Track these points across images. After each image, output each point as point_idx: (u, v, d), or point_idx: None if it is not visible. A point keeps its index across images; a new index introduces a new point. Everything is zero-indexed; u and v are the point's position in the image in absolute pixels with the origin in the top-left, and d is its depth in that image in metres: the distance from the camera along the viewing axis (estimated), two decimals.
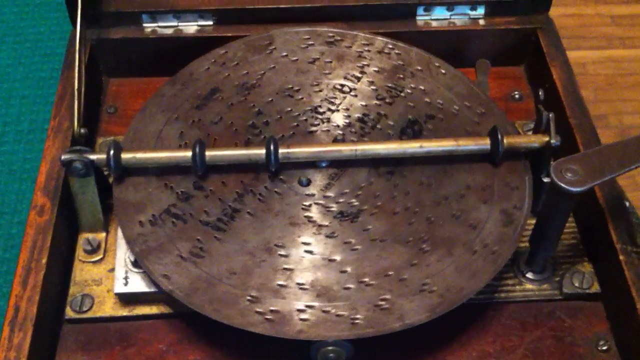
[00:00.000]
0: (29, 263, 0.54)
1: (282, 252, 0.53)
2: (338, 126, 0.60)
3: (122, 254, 0.55)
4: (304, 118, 0.61)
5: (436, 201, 0.55)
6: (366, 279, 0.51)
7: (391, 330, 0.49)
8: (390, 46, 0.65)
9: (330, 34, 0.66)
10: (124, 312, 0.55)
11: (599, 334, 0.54)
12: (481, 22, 0.70)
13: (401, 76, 0.63)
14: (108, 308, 0.55)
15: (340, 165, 0.58)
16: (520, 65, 0.72)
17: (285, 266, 0.52)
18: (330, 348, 0.48)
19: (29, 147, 0.85)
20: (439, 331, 0.54)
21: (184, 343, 0.54)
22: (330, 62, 0.64)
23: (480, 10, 0.70)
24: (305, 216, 0.55)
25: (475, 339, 0.54)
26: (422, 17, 0.70)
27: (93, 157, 0.55)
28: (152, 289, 0.54)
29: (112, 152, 0.55)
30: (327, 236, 0.54)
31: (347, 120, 0.61)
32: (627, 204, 0.74)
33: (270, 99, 0.62)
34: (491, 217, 0.54)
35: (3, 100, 0.88)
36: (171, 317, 0.55)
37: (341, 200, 0.56)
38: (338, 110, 0.61)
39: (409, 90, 0.62)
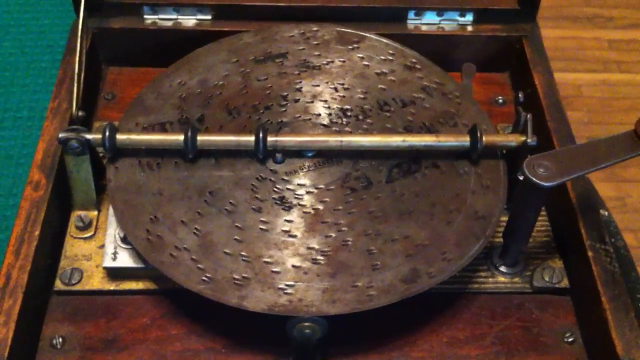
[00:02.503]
0: (22, 234, 0.56)
1: (291, 233, 0.55)
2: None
3: (112, 231, 0.57)
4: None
5: (411, 195, 0.57)
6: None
7: (368, 307, 0.51)
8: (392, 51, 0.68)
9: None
10: (111, 286, 0.57)
11: (565, 326, 0.57)
12: (469, 28, 0.73)
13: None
14: (96, 282, 0.57)
15: (327, 155, 0.60)
16: (505, 72, 0.75)
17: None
18: (306, 324, 0.50)
19: (27, 133, 0.87)
20: (412, 316, 0.56)
21: (166, 318, 0.56)
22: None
23: (469, 17, 0.73)
24: (277, 198, 0.57)
25: (446, 326, 0.56)
26: (412, 21, 0.73)
27: (89, 136, 0.58)
28: (139, 265, 0.56)
29: (107, 132, 0.57)
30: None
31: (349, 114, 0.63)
32: (606, 213, 0.77)
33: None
34: (466, 212, 0.56)
35: (4, 87, 0.91)
36: (155, 293, 0.57)
37: (319, 186, 0.58)
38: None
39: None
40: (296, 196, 0.57)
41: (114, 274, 0.57)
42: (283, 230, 0.55)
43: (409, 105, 0.63)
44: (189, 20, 0.73)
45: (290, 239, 0.55)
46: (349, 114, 0.63)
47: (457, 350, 0.55)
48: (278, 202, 0.57)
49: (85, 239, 0.60)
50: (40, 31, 0.98)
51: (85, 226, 0.60)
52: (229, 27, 0.71)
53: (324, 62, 0.66)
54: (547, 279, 0.58)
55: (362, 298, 0.51)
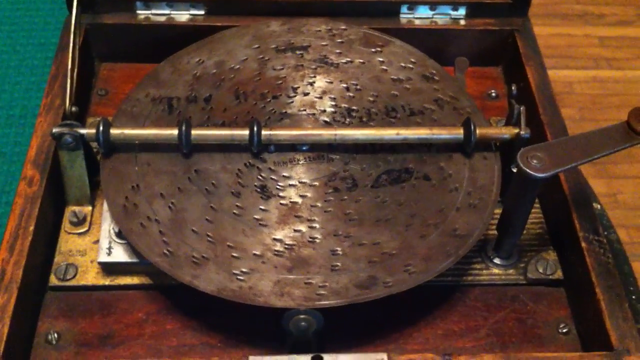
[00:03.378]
0: (16, 230, 0.56)
1: (262, 222, 0.55)
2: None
3: (107, 226, 0.57)
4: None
5: (394, 203, 0.57)
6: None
7: (313, 305, 0.51)
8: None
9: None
10: (106, 281, 0.57)
11: (559, 318, 0.57)
12: (462, 22, 0.73)
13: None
14: (91, 277, 0.57)
15: (323, 151, 0.60)
16: (498, 66, 0.75)
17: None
18: (301, 317, 0.50)
19: (20, 131, 0.87)
20: (407, 309, 0.56)
21: (162, 313, 0.56)
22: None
23: (462, 11, 0.73)
24: (258, 186, 0.57)
25: (441, 318, 0.57)
26: (405, 16, 0.73)
27: (83, 131, 0.58)
28: (134, 260, 0.56)
29: (101, 127, 0.57)
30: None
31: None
32: (598, 207, 0.77)
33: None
34: (444, 228, 0.55)
35: None
36: (150, 289, 0.57)
37: (303, 181, 0.58)
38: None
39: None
40: (278, 187, 0.57)
41: (109, 269, 0.57)
42: (255, 218, 0.55)
43: (416, 114, 0.62)
44: (182, 16, 0.73)
45: (260, 228, 0.55)
46: (353, 114, 0.62)
47: (452, 342, 0.55)
48: (259, 190, 0.57)
49: (79, 234, 0.59)
50: (32, 29, 0.98)
51: (79, 221, 0.60)
52: (222, 22, 0.71)
53: (343, 61, 0.66)
54: (541, 270, 0.58)
55: (311, 296, 0.51)
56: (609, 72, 1.54)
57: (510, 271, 0.59)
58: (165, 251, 0.53)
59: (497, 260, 0.59)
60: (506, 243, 0.58)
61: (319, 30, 0.68)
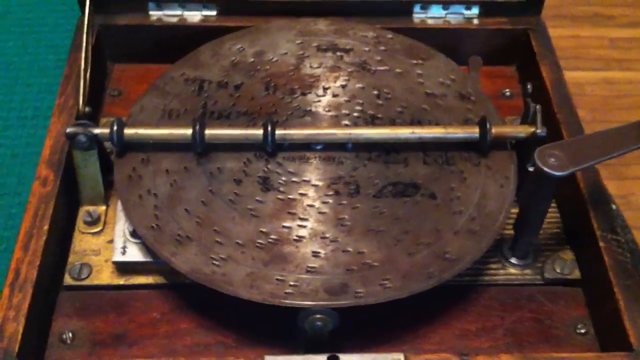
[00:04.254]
0: (31, 229, 0.56)
1: (254, 213, 0.55)
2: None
3: (121, 225, 0.57)
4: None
5: (390, 216, 0.56)
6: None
7: (278, 303, 0.51)
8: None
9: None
10: (120, 281, 0.57)
11: (577, 318, 0.56)
12: (475, 21, 0.73)
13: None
14: (105, 277, 0.57)
15: (336, 149, 0.60)
16: (512, 65, 0.74)
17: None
18: (317, 316, 0.50)
19: (32, 132, 0.87)
20: (422, 310, 0.56)
21: (176, 312, 0.56)
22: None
23: (475, 10, 0.73)
24: (261, 177, 0.58)
25: (457, 318, 0.56)
26: (418, 15, 0.73)
27: (97, 131, 0.58)
28: (148, 259, 0.56)
29: (115, 127, 0.57)
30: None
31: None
32: (614, 207, 0.77)
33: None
34: (435, 249, 0.54)
35: (8, 87, 0.91)
36: (165, 288, 0.57)
37: (306, 179, 0.58)
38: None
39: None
40: (280, 181, 0.57)
41: (123, 268, 0.57)
42: (248, 208, 0.56)
43: None
44: (194, 16, 0.72)
45: (250, 218, 0.55)
46: (376, 121, 0.62)
47: (468, 342, 0.55)
48: (260, 181, 0.57)
49: (93, 234, 0.59)
50: (43, 31, 0.98)
51: (93, 221, 0.59)
52: (235, 23, 0.71)
53: (381, 68, 0.65)
54: (558, 270, 0.58)
55: (279, 293, 0.51)
56: (620, 74, 1.53)
57: (527, 271, 0.58)
58: (153, 225, 0.54)
59: (513, 260, 0.58)
60: (523, 242, 0.57)
61: (365, 36, 0.68)
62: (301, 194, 0.57)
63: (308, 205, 0.56)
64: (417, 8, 0.72)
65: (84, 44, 0.63)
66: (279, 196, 0.56)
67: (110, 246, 0.58)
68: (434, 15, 0.73)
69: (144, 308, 0.56)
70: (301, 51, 0.67)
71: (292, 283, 0.52)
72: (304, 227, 0.55)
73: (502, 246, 0.59)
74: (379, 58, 0.66)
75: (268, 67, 0.65)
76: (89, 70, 0.63)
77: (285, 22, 0.69)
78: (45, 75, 0.93)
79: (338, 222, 0.55)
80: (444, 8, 0.73)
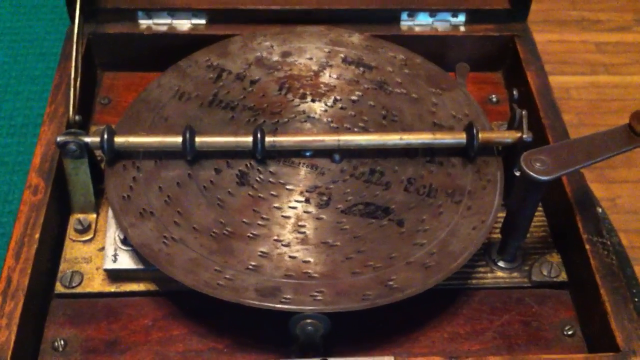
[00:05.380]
0: (22, 237, 0.56)
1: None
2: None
3: (112, 233, 0.58)
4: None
5: (349, 234, 0.56)
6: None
7: (207, 292, 0.52)
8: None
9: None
10: (112, 288, 0.57)
11: (565, 320, 0.57)
12: (462, 28, 0.74)
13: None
14: (96, 284, 0.57)
15: (326, 155, 0.60)
16: (498, 71, 0.75)
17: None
18: (308, 321, 0.51)
19: (22, 140, 0.87)
20: (413, 313, 0.56)
21: (168, 319, 0.56)
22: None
23: (461, 18, 0.74)
24: (240, 171, 0.59)
25: (447, 322, 0.57)
26: (405, 22, 0.74)
27: (87, 139, 0.58)
28: (140, 266, 0.56)
29: (105, 135, 0.58)
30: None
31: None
32: (600, 210, 0.78)
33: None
34: (379, 275, 0.53)
35: None
36: (157, 295, 0.57)
37: (282, 181, 0.59)
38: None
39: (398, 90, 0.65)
40: (257, 179, 0.58)
41: (115, 275, 0.57)
42: (217, 197, 0.57)
43: (434, 163, 0.60)
44: (183, 25, 0.73)
45: (216, 207, 0.56)
46: None
47: (458, 345, 0.56)
48: (238, 174, 0.58)
49: (84, 241, 0.60)
50: (33, 39, 0.98)
51: (84, 229, 0.60)
52: (224, 31, 0.72)
53: (398, 91, 0.65)
54: (545, 273, 0.59)
55: (212, 283, 0.52)
56: (607, 78, 1.55)
57: (515, 274, 0.59)
58: (124, 195, 0.56)
59: (501, 264, 0.59)
60: (510, 246, 0.58)
61: (394, 57, 0.68)
62: (272, 195, 0.57)
63: (274, 207, 0.57)
64: (404, 15, 0.73)
65: (74, 53, 0.64)
66: (250, 192, 0.57)
67: (101, 254, 0.58)
68: (421, 23, 0.74)
69: (136, 315, 0.56)
70: (326, 59, 0.67)
71: (227, 276, 0.52)
72: (263, 226, 0.55)
73: (490, 250, 0.60)
74: (399, 80, 0.66)
75: (289, 68, 0.66)
76: (79, 79, 0.63)
77: (321, 28, 0.70)
78: (35, 83, 0.93)
79: (296, 229, 0.56)
80: (431, 15, 0.73)
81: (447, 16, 0.74)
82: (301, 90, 0.65)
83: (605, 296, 0.54)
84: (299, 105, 0.64)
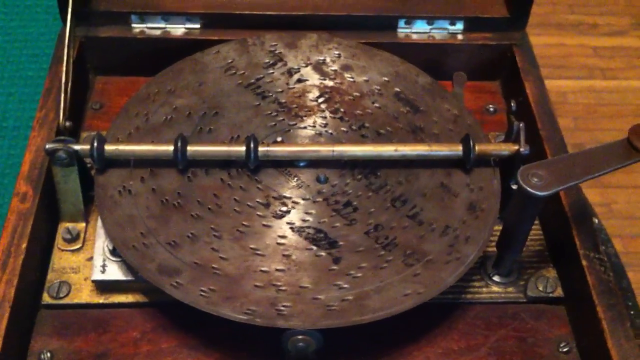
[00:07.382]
0: (9, 247, 0.55)
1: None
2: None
3: (101, 243, 0.56)
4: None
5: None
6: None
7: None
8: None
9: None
10: (100, 299, 0.56)
11: (560, 336, 0.56)
12: (459, 37, 0.73)
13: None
14: (85, 295, 0.56)
15: (319, 165, 0.59)
16: (496, 80, 0.74)
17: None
18: (300, 337, 0.50)
19: (14, 143, 0.86)
20: (407, 328, 0.56)
21: (157, 331, 0.55)
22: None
23: (459, 26, 0.73)
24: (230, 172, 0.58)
25: (441, 337, 0.56)
26: (403, 30, 0.73)
27: (77, 147, 0.57)
28: (129, 278, 0.55)
29: (95, 143, 0.57)
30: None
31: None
32: (596, 221, 0.77)
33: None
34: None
35: None
36: (146, 306, 0.56)
37: (262, 187, 0.58)
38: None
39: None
40: (241, 186, 0.58)
41: (103, 286, 0.56)
42: (198, 201, 0.56)
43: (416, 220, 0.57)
44: (177, 30, 0.72)
45: (194, 207, 0.56)
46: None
47: None
48: (223, 178, 0.58)
49: (73, 251, 0.59)
50: (26, 40, 0.97)
51: (73, 238, 0.59)
52: (218, 36, 0.71)
53: (420, 108, 0.63)
54: (541, 288, 0.58)
55: (173, 283, 0.51)
56: (603, 82, 1.55)
57: (510, 289, 0.58)
58: (120, 189, 0.56)
59: (496, 278, 0.58)
60: (506, 260, 0.57)
61: (448, 110, 0.63)
62: (261, 203, 0.57)
63: (258, 215, 0.56)
64: (401, 23, 0.72)
65: (66, 57, 0.62)
66: (235, 197, 0.57)
67: (89, 264, 0.57)
68: (419, 31, 0.73)
69: (125, 327, 0.55)
70: (379, 87, 0.65)
71: (188, 279, 0.52)
72: (241, 232, 0.55)
73: (485, 264, 0.59)
74: (436, 132, 0.62)
75: (340, 82, 0.65)
76: (70, 83, 0.62)
77: (393, 56, 0.67)
78: (27, 85, 0.92)
79: (275, 240, 0.55)
80: (429, 23, 0.72)
81: (445, 24, 0.73)
82: (337, 105, 0.63)
83: (602, 313, 0.53)
84: (326, 117, 0.62)
